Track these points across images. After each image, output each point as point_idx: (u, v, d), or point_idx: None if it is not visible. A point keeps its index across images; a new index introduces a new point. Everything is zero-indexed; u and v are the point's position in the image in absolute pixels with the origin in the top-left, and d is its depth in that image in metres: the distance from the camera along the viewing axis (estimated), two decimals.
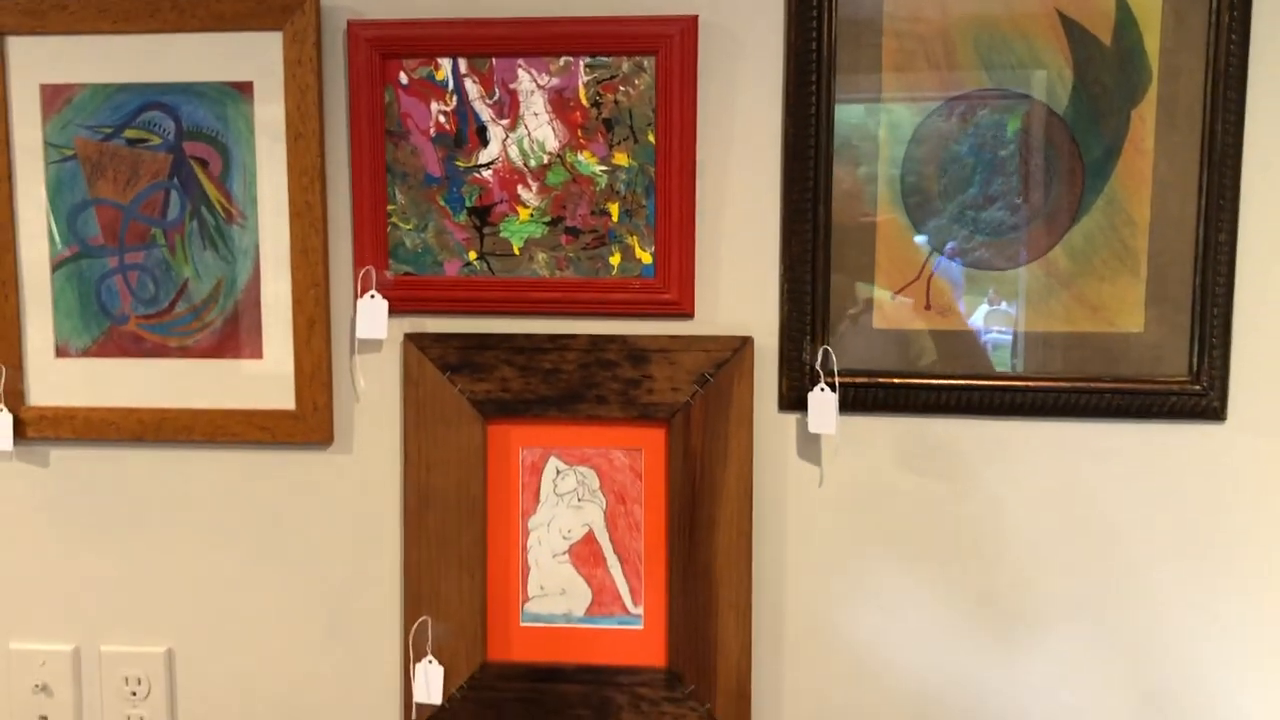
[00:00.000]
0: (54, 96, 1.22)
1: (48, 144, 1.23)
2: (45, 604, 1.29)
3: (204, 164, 1.21)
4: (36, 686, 1.29)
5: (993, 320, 1.15)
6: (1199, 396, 1.12)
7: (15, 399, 1.25)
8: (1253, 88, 1.10)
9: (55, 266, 1.24)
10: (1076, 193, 1.12)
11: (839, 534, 1.20)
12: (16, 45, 1.21)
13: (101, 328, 1.24)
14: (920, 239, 1.15)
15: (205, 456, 1.25)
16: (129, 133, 1.22)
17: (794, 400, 1.17)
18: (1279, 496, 1.14)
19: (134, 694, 1.28)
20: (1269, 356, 1.13)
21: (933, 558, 1.19)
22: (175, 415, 1.24)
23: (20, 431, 1.25)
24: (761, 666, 1.21)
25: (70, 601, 1.28)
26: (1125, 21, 1.10)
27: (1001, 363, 1.15)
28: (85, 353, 1.25)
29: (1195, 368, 1.12)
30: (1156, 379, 1.13)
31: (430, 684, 1.22)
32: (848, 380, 1.15)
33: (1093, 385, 1.13)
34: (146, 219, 1.23)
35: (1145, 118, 1.11)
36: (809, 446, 1.19)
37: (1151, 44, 1.10)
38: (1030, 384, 1.14)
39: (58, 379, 1.25)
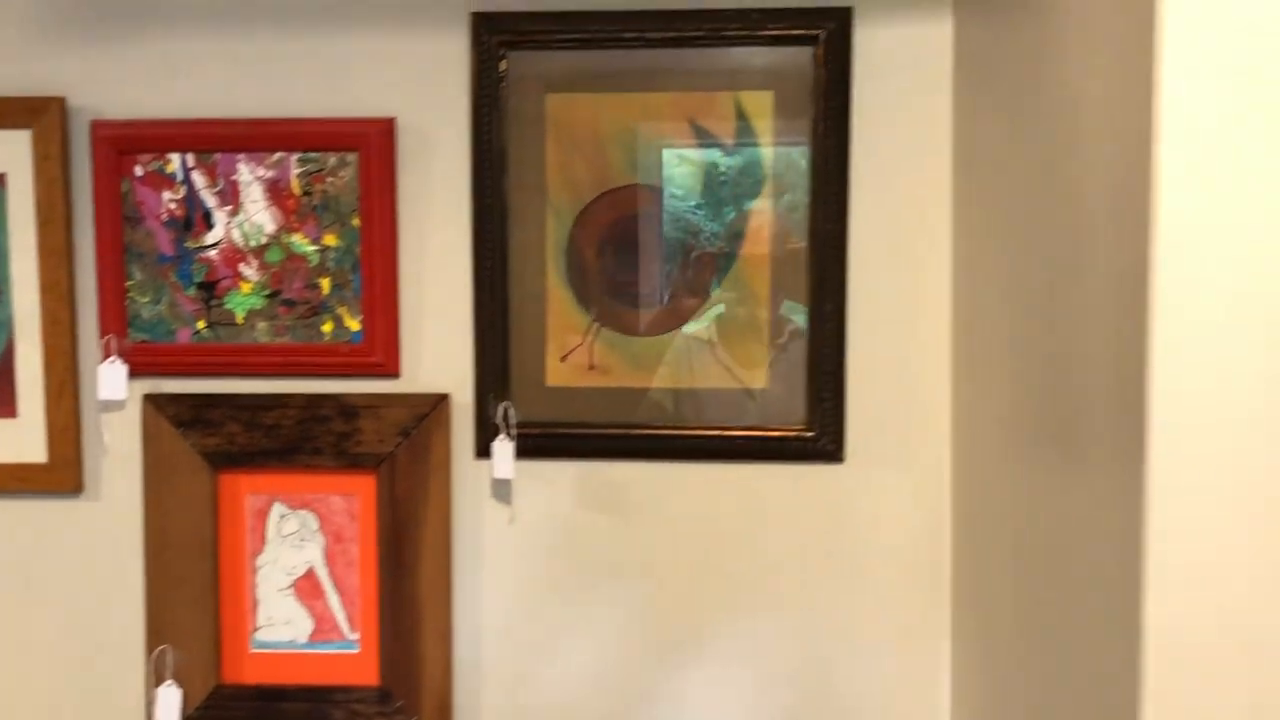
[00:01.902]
0: None
1: None
2: None
3: None
4: None
5: (648, 378, 1.34)
6: (813, 441, 1.32)
7: None
8: (853, 186, 1.31)
9: None
10: (709, 274, 1.32)
11: (528, 563, 1.37)
12: None
13: None
14: (582, 310, 1.34)
15: None
16: None
17: (485, 449, 1.35)
18: (890, 523, 1.35)
19: None
20: (878, 410, 1.33)
21: (608, 580, 1.37)
22: None
23: None
24: (462, 681, 1.38)
25: None
26: (743, 129, 1.31)
27: (659, 414, 1.34)
28: None
29: (809, 418, 1.32)
30: (780, 427, 1.33)
31: (169, 706, 1.37)
32: (526, 431, 1.34)
33: (727, 433, 1.33)
34: None
35: (763, 210, 1.31)
36: (501, 489, 1.37)
37: (766, 148, 1.31)
38: (679, 432, 1.33)
39: None
